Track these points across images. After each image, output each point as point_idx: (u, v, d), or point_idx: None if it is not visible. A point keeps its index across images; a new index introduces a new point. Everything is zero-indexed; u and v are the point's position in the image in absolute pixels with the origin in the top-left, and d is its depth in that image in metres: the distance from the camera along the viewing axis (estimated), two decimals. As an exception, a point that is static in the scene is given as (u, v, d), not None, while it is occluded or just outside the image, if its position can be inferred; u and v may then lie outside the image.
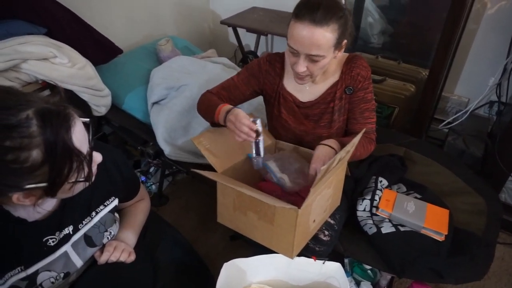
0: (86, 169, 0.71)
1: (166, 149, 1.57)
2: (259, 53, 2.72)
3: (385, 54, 2.28)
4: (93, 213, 0.92)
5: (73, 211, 0.87)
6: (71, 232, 0.86)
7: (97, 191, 0.92)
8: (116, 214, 1.02)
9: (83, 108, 1.61)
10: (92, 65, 1.64)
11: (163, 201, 1.95)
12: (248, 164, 1.21)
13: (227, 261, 1.05)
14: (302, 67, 1.06)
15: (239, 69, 1.97)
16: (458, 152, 1.78)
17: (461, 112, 2.00)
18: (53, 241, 0.83)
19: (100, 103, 1.67)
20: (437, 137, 2.11)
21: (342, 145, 1.13)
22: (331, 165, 0.91)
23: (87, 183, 0.76)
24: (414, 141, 1.73)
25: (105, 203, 0.95)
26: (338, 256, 1.23)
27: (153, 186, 1.98)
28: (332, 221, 1.18)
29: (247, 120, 1.03)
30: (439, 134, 2.10)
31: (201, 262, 1.31)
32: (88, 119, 0.73)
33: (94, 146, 0.79)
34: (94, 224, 0.92)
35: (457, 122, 1.90)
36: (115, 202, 0.98)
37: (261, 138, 1.06)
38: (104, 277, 0.91)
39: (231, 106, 1.12)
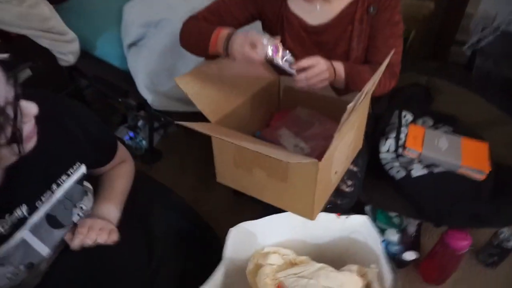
0: (7, 127, 0.50)
1: (149, 98, 1.34)
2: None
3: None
4: (53, 186, 0.71)
5: (24, 186, 0.67)
6: (25, 214, 0.67)
7: (54, 157, 0.71)
8: (88, 184, 0.82)
9: (45, 57, 1.34)
10: (48, 3, 1.35)
11: (156, 157, 1.75)
12: (249, 108, 0.98)
13: (233, 222, 0.88)
14: None
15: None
16: (488, 76, 1.54)
17: (488, 29, 1.71)
18: (2, 227, 0.63)
19: (66, 50, 1.40)
20: (459, 62, 1.86)
21: (351, 73, 0.92)
22: (357, 102, 0.69)
23: (17, 148, 0.55)
24: (438, 67, 1.49)
25: (68, 172, 0.74)
26: (358, 204, 1.06)
27: (144, 142, 1.77)
28: (354, 168, 0.99)
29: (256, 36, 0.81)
30: (461, 58, 1.84)
31: (203, 224, 1.14)
32: (4, 56, 0.51)
33: (34, 95, 0.58)
34: (58, 200, 0.72)
35: (484, 42, 1.62)
36: (82, 169, 0.77)
37: (287, 55, 0.85)
38: (83, 263, 0.73)
39: (230, 29, 0.88)
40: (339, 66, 0.91)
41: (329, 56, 0.93)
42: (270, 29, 1.06)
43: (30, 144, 0.59)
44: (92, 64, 1.52)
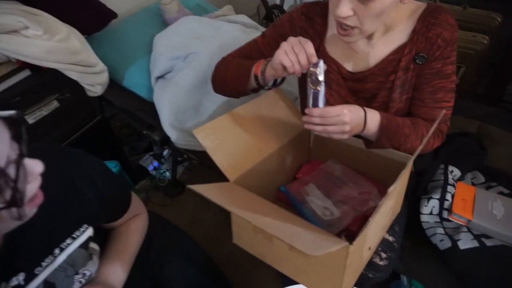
0: (6, 190, 0.44)
1: (173, 135, 1.28)
2: (285, 8, 2.30)
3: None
4: (56, 251, 0.65)
5: (25, 252, 0.61)
6: (21, 282, 0.61)
7: (60, 219, 0.65)
8: (94, 245, 0.75)
9: (73, 88, 1.33)
10: (79, 35, 1.34)
11: (179, 190, 1.69)
12: (275, 161, 0.89)
13: (255, 264, 0.78)
14: (345, 8, 0.71)
15: (263, 29, 1.60)
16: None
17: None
18: None
19: (94, 82, 1.38)
20: (515, 102, 1.67)
21: (388, 127, 0.81)
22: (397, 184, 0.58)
23: (16, 213, 0.48)
24: (492, 112, 1.33)
25: (74, 235, 0.68)
26: (393, 273, 0.93)
27: (167, 173, 1.72)
28: (390, 238, 0.86)
29: (311, 48, 0.74)
30: (518, 99, 1.66)
31: (223, 281, 1.05)
32: (12, 113, 0.46)
33: (40, 150, 0.56)
34: (59, 266, 0.66)
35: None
36: (89, 232, 0.70)
37: (322, 87, 0.75)
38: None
39: None
40: (374, 118, 0.81)
41: (366, 106, 0.82)
42: (300, 77, 0.98)
43: (33, 207, 0.54)
44: (119, 94, 1.50)
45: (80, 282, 0.69)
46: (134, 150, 1.96)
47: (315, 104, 0.76)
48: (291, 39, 0.76)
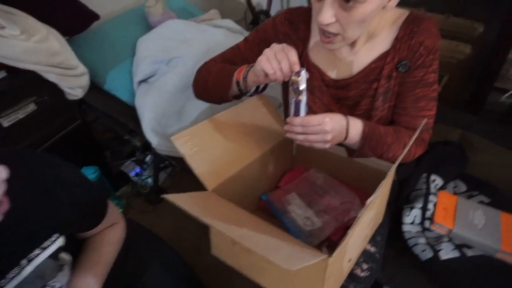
0: None
1: (154, 141, 1.26)
2: (272, 13, 2.30)
3: (429, 5, 1.81)
4: (24, 261, 0.62)
5: None
6: None
7: (30, 228, 0.62)
8: (66, 255, 0.72)
9: (52, 91, 1.29)
10: (59, 36, 1.30)
11: (160, 198, 1.65)
12: (257, 169, 0.87)
13: (236, 273, 0.77)
14: (327, 14, 0.70)
15: (248, 34, 1.59)
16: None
17: (532, 79, 1.56)
18: None
19: (74, 84, 1.34)
20: (496, 111, 1.70)
21: (371, 135, 0.80)
22: (379, 192, 0.57)
23: None
24: (475, 120, 1.34)
25: (44, 245, 0.65)
26: (375, 283, 0.91)
27: (149, 179, 1.69)
28: (372, 249, 0.85)
29: (295, 56, 0.73)
30: (499, 107, 1.68)
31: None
32: None
33: (9, 155, 0.57)
34: (26, 278, 0.62)
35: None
36: (60, 241, 0.67)
37: (303, 97, 0.74)
38: None
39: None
40: (357, 126, 0.79)
41: (348, 114, 0.81)
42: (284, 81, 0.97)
43: None
44: (100, 98, 1.47)
45: (49, 295, 0.66)
46: (117, 155, 1.91)
47: (297, 113, 0.74)
48: (275, 46, 0.74)
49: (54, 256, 0.67)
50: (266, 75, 0.75)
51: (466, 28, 1.69)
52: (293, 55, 0.72)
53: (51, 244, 0.66)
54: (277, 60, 0.72)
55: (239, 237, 0.52)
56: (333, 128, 0.74)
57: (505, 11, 1.44)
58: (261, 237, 0.55)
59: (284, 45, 0.74)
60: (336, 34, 0.74)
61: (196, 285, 1.02)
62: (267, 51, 0.74)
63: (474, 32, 1.67)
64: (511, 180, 1.12)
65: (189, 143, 0.74)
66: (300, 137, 0.74)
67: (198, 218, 0.54)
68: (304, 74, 0.73)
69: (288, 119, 0.75)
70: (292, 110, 0.75)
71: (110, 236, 0.83)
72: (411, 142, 0.68)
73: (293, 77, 0.73)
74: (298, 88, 0.73)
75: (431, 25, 0.79)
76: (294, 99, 0.74)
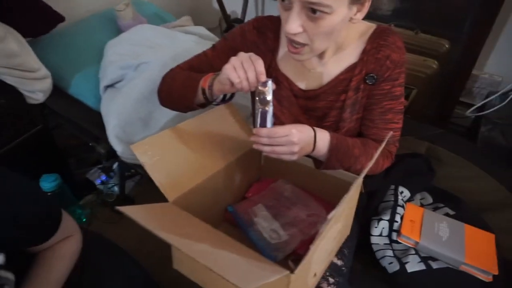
0: None
1: (119, 148, 1.21)
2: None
3: (399, 22, 1.86)
4: None
5: None
6: None
7: None
8: (7, 274, 0.66)
9: (10, 94, 1.22)
10: (19, 37, 1.24)
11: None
12: (222, 179, 0.84)
13: None
14: (294, 24, 0.69)
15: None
16: (495, 147, 1.43)
17: (494, 95, 1.62)
18: None
19: (35, 88, 1.27)
20: (461, 124, 1.75)
21: (338, 147, 0.79)
22: (340, 208, 0.56)
23: None
24: (440, 133, 1.37)
25: (-20, 263, 0.59)
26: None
27: (116, 188, 1.62)
28: (339, 262, 0.83)
29: (261, 66, 0.71)
30: (464, 121, 1.73)
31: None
32: None
33: None
34: None
35: (494, 108, 1.52)
36: (-1, 259, 0.62)
37: (270, 107, 0.72)
38: None
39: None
40: (324, 138, 0.78)
41: (317, 125, 0.80)
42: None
43: None
44: (64, 103, 1.40)
45: (-13, 318, 0.60)
46: (83, 163, 1.83)
47: (263, 124, 0.72)
48: (241, 55, 0.72)
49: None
50: (232, 84, 0.72)
51: (434, 44, 1.75)
52: (260, 64, 0.70)
53: (-10, 262, 0.60)
54: (244, 69, 0.70)
55: (195, 254, 0.49)
56: (300, 139, 0.72)
57: (469, 30, 1.49)
58: (220, 253, 0.52)
59: (251, 54, 0.72)
60: (304, 45, 0.74)
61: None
62: (233, 60, 0.72)
63: (441, 48, 1.73)
64: (475, 193, 1.15)
65: (149, 152, 0.70)
66: (266, 148, 0.72)
67: (151, 231, 0.50)
68: (270, 85, 0.71)
69: (254, 130, 0.73)
70: (258, 120, 0.73)
71: (62, 250, 0.77)
72: (377, 154, 0.67)
73: (260, 88, 0.71)
74: (265, 98, 0.71)
75: (397, 39, 0.80)
76: (261, 109, 0.72)
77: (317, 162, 0.85)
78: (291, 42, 0.74)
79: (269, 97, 0.71)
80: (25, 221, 0.64)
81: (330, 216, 0.51)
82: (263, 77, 0.71)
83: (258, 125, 0.73)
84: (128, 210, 0.56)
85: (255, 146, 0.74)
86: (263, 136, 0.71)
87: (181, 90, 0.85)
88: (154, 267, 1.01)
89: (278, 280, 0.55)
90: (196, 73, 0.86)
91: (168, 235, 0.52)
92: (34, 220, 0.67)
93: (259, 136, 0.72)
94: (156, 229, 0.52)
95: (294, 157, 0.74)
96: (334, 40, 0.77)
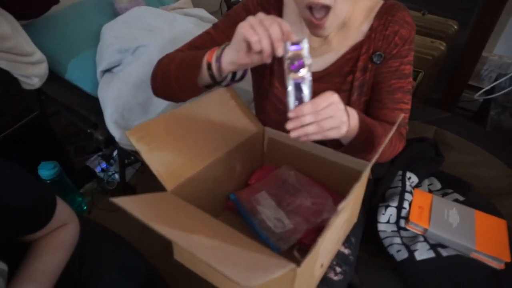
0: None
1: (117, 135, 1.17)
2: (248, 4, 2.22)
3: (406, 2, 1.79)
4: None
5: None
6: None
7: None
8: (0, 264, 0.63)
9: (4, 79, 1.18)
10: (12, 19, 1.19)
11: (129, 194, 1.57)
12: (222, 167, 0.81)
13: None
14: None
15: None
16: (504, 131, 1.38)
17: (504, 78, 1.56)
18: None
19: (30, 73, 1.23)
20: (469, 108, 1.70)
21: (366, 124, 0.70)
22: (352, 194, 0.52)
23: None
24: (448, 117, 1.32)
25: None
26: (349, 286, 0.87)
27: (116, 175, 1.60)
28: (346, 251, 0.81)
29: (287, 26, 0.57)
30: (472, 105, 1.68)
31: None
32: None
33: None
34: None
35: (504, 91, 1.46)
36: (-10, 249, 0.59)
37: (308, 77, 0.56)
38: None
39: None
40: (353, 114, 0.67)
41: None
42: (257, 69, 0.90)
43: None
44: (60, 88, 1.36)
45: (-21, 311, 0.58)
46: (83, 150, 1.81)
47: (300, 99, 0.57)
48: (260, 14, 0.58)
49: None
50: (248, 47, 0.59)
51: (441, 25, 1.69)
52: (285, 24, 0.57)
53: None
54: (264, 26, 0.56)
55: (193, 248, 0.46)
56: (344, 105, 0.61)
57: (478, 10, 1.43)
58: (220, 246, 0.49)
59: (272, 15, 0.59)
60: (327, 9, 0.67)
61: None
62: (250, 18, 0.58)
63: (449, 30, 1.67)
64: (485, 178, 1.11)
65: (145, 138, 0.66)
66: (311, 128, 0.57)
67: (147, 224, 0.47)
68: (306, 44, 0.56)
69: (292, 113, 0.57)
70: (292, 96, 0.57)
71: (58, 239, 0.74)
72: (390, 134, 0.63)
73: (291, 51, 0.56)
74: (300, 64, 0.55)
75: (406, 14, 0.76)
76: (294, 81, 0.56)
77: (334, 143, 0.76)
78: (313, 8, 0.67)
79: (308, 60, 0.55)
80: (16, 209, 0.61)
81: (340, 207, 0.47)
82: (293, 36, 0.57)
83: (292, 104, 0.57)
84: (123, 202, 0.52)
85: (294, 134, 0.58)
86: (307, 113, 0.56)
87: (181, 69, 0.72)
88: (156, 256, 0.99)
89: (283, 274, 0.52)
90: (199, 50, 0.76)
91: (165, 228, 0.48)
92: (26, 208, 0.64)
93: (301, 116, 0.56)
94: (153, 221, 0.48)
95: (344, 129, 0.60)
96: (351, 4, 0.71)
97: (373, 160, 0.59)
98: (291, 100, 0.57)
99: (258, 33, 0.56)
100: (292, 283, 0.54)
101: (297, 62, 0.56)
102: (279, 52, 0.57)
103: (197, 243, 0.47)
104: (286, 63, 0.56)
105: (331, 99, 0.58)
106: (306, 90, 0.56)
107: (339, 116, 0.58)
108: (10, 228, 0.62)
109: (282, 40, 0.56)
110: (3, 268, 0.63)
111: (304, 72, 0.55)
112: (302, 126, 0.57)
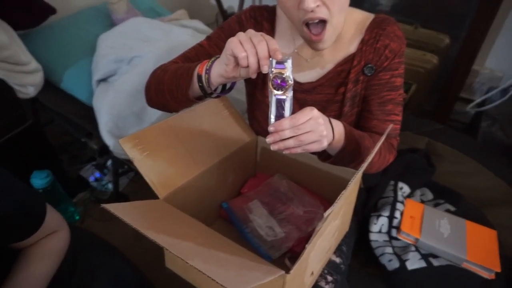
0: None
1: (111, 144, 1.18)
2: (244, 17, 2.26)
3: (398, 16, 1.83)
4: None
5: None
6: None
7: None
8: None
9: (0, 88, 1.19)
10: (9, 29, 1.20)
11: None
12: (215, 175, 0.81)
13: None
14: None
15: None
16: (495, 143, 1.40)
17: (495, 91, 1.59)
18: None
19: (25, 82, 1.24)
20: (461, 120, 1.72)
21: (352, 137, 0.72)
22: (339, 203, 0.53)
23: None
24: (440, 129, 1.34)
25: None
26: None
27: (110, 185, 1.59)
28: (337, 260, 0.81)
29: (275, 44, 0.59)
30: (464, 117, 1.71)
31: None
32: None
33: None
34: None
35: (494, 104, 1.49)
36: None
37: (289, 95, 0.59)
38: None
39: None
40: (339, 126, 0.69)
41: None
42: (250, 80, 0.92)
43: None
44: (55, 97, 1.37)
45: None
46: (77, 159, 1.80)
47: (280, 115, 0.59)
48: (250, 31, 0.61)
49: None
50: (236, 62, 0.61)
51: (433, 39, 1.72)
52: (273, 42, 0.59)
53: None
54: (252, 43, 0.59)
55: (185, 255, 0.46)
56: (324, 120, 0.62)
57: (469, 24, 1.47)
58: (212, 253, 0.50)
59: (262, 33, 0.61)
60: (324, 23, 0.69)
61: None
62: (240, 34, 0.60)
63: (441, 43, 1.70)
64: (476, 189, 1.12)
65: (138, 146, 0.67)
66: (290, 142, 0.59)
67: (139, 230, 0.47)
68: (290, 64, 0.58)
69: (272, 127, 0.60)
70: (273, 112, 0.59)
71: (47, 247, 0.73)
72: (379, 145, 0.64)
73: (275, 68, 0.58)
74: (283, 82, 0.58)
75: (396, 28, 0.77)
76: (277, 97, 0.59)
77: (323, 155, 0.79)
78: (310, 24, 0.69)
79: (290, 79, 0.58)
80: (3, 216, 0.61)
81: (327, 213, 0.48)
82: (279, 55, 0.58)
83: (273, 118, 0.60)
84: (116, 209, 0.53)
85: (274, 147, 0.61)
86: (286, 128, 0.58)
87: (173, 81, 0.73)
88: (150, 264, 0.98)
89: (273, 281, 0.52)
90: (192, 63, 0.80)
91: (157, 235, 0.49)
92: (14, 215, 0.63)
93: (280, 131, 0.59)
94: (144, 228, 0.49)
95: (325, 143, 0.62)
96: (344, 17, 0.73)
97: (361, 169, 0.60)
98: (272, 115, 0.60)
99: (246, 49, 0.58)
100: (281, 289, 0.54)
101: (280, 80, 0.59)
102: (265, 70, 0.59)
103: (189, 249, 0.47)
104: (270, 79, 0.59)
105: (311, 114, 0.59)
106: (287, 106, 0.59)
107: (318, 131, 0.60)
108: (9, 235, 0.62)
109: (268, 58, 0.59)
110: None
111: (285, 90, 0.59)
112: (282, 140, 0.59)
